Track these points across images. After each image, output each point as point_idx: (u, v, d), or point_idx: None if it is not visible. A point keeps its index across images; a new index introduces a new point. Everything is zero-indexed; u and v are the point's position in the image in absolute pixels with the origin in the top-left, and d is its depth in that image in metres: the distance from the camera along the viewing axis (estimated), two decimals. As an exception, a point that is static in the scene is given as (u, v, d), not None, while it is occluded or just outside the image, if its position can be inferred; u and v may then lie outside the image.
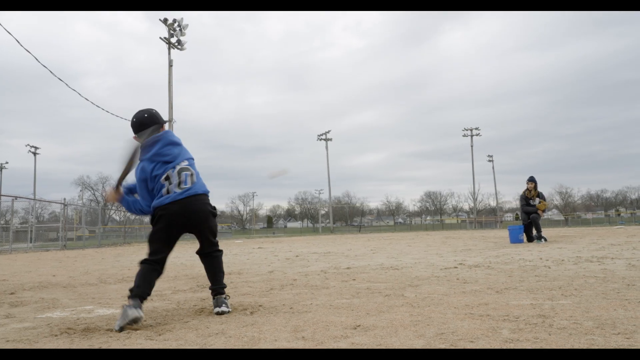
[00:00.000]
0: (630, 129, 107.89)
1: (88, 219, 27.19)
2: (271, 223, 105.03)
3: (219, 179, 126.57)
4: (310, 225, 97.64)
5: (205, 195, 3.21)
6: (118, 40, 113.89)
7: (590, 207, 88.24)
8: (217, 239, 3.34)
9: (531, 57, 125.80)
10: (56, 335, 2.59)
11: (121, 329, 2.65)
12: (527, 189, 11.58)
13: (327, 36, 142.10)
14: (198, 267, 7.15)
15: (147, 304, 3.64)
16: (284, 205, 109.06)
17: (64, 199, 21.05)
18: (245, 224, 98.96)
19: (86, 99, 22.18)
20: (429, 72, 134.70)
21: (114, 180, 3.27)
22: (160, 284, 5.02)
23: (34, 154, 58.79)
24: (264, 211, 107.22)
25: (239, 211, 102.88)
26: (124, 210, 3.38)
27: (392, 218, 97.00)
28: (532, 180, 11.58)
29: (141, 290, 2.91)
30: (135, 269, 6.99)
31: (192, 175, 3.16)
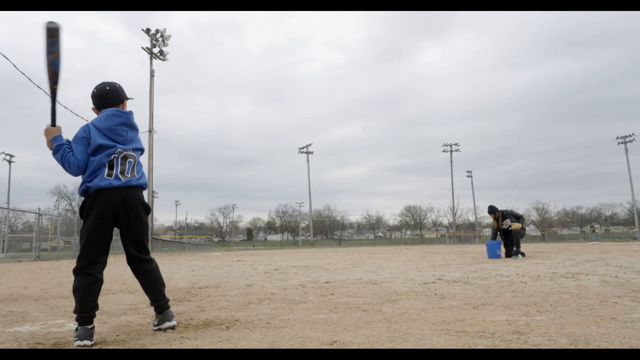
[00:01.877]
0: (602, 148, 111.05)
1: (63, 229, 26.59)
2: (251, 235, 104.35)
3: (199, 190, 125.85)
4: (290, 238, 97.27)
5: (142, 188, 3.00)
6: (97, 50, 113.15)
7: (566, 223, 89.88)
8: (148, 244, 3.06)
9: (507, 76, 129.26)
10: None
11: None
12: (493, 219, 11.79)
13: (306, 51, 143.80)
14: (175, 280, 7.04)
15: (121, 318, 3.57)
16: (265, 217, 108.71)
17: (39, 208, 20.61)
18: (225, 236, 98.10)
19: (65, 107, 21.85)
20: (407, 88, 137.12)
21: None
22: (134, 298, 4.92)
23: (9, 162, 57.53)
24: (244, 223, 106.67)
25: (218, 223, 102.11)
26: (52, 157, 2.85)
27: (373, 232, 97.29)
28: (491, 211, 11.74)
29: (88, 313, 2.68)
30: (111, 282, 6.83)
31: (134, 165, 2.96)
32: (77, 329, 2.66)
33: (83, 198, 2.90)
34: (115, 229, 2.93)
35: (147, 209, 3.01)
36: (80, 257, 2.78)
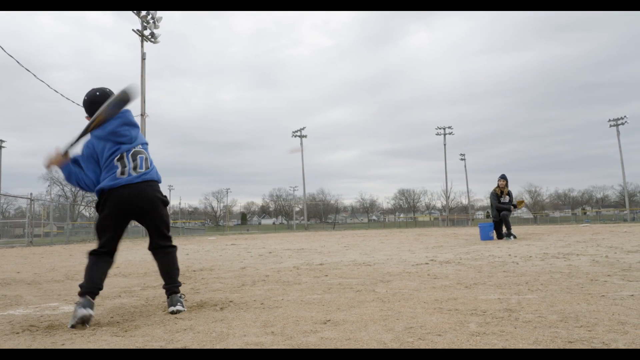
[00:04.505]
0: (593, 131, 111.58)
1: (56, 214, 26.52)
2: (245, 220, 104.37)
3: (192, 175, 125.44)
4: (284, 222, 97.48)
5: (157, 182, 3.10)
6: (83, 34, 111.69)
7: (558, 206, 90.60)
8: (170, 233, 3.16)
9: (496, 59, 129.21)
10: (18, 333, 2.51)
11: (73, 327, 2.58)
12: (499, 186, 11.81)
13: (295, 35, 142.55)
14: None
15: (115, 300, 3.57)
16: (258, 202, 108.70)
17: (31, 194, 20.46)
18: (219, 221, 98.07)
19: (55, 90, 21.66)
20: (397, 71, 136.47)
21: (62, 144, 2.98)
22: (128, 281, 4.93)
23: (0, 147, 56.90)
24: (237, 208, 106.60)
25: (212, 208, 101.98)
26: (64, 180, 3.29)
27: (366, 215, 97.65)
28: (503, 178, 11.82)
29: (91, 285, 2.78)
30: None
31: (146, 159, 3.03)
32: (77, 302, 2.67)
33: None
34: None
35: (165, 202, 3.11)
36: (98, 243, 2.92)
